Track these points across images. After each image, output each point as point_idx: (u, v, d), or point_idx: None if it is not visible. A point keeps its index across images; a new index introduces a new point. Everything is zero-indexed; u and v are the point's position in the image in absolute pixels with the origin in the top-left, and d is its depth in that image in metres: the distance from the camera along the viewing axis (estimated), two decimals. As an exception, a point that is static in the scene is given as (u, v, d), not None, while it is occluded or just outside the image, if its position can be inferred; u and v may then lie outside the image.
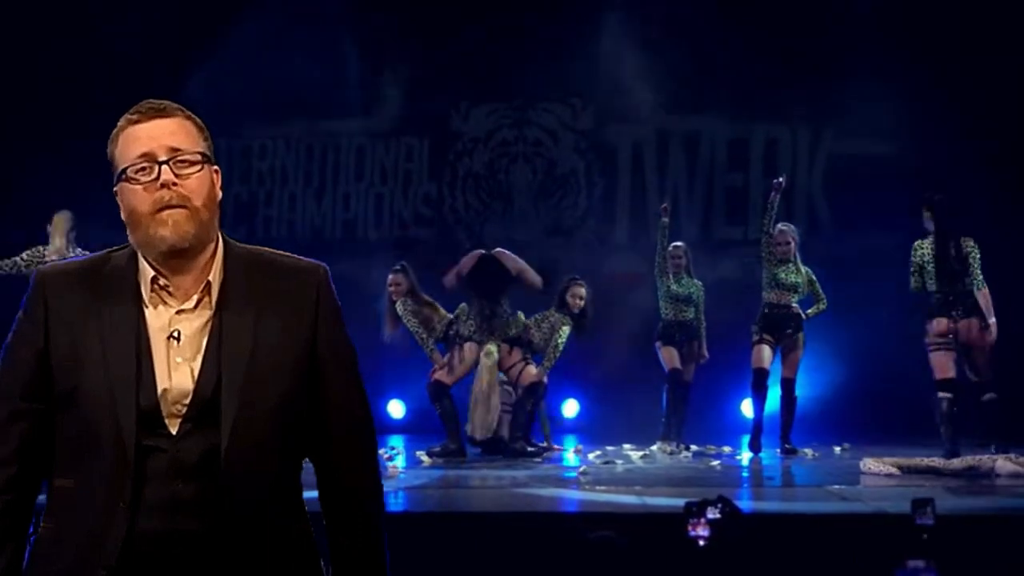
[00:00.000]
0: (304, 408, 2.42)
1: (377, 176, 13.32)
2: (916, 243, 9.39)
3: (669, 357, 10.28)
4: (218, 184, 2.43)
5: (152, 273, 2.38)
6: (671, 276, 10.30)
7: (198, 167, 2.36)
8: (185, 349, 2.36)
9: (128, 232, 2.38)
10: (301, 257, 2.53)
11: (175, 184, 2.33)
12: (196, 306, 2.38)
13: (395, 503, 7.09)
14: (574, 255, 12.47)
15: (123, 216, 2.38)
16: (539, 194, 13.17)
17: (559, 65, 12.69)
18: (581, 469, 8.61)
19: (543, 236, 13.00)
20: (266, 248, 2.53)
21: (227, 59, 12.30)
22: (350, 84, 12.88)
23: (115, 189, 2.40)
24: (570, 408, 12.45)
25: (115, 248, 2.46)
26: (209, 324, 2.37)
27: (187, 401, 2.33)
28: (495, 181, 13.22)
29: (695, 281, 10.52)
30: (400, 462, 9.33)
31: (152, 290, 2.38)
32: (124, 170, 2.36)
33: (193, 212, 2.34)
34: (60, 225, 9.33)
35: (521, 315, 9.97)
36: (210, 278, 2.39)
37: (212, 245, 2.42)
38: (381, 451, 9.23)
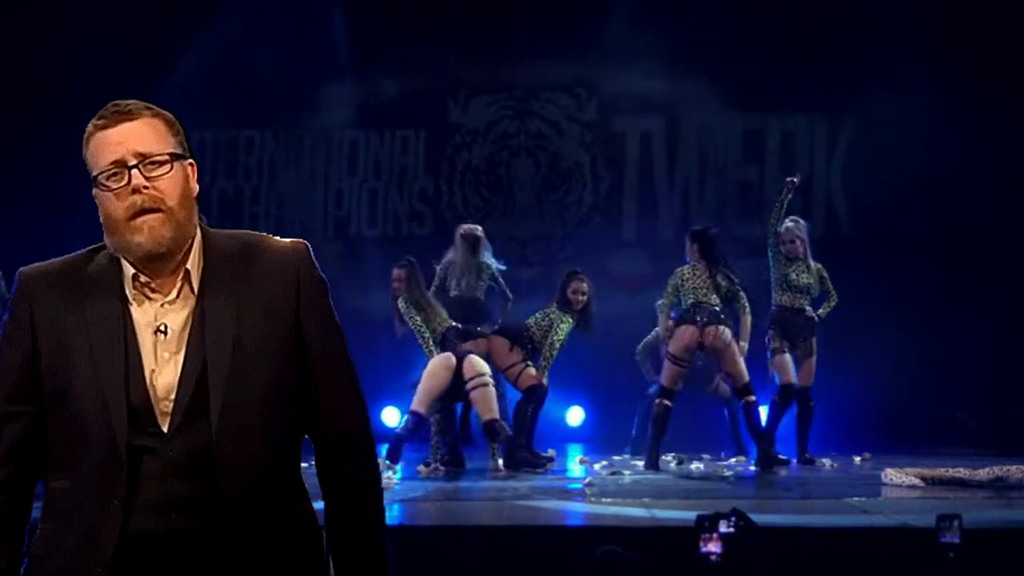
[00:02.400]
0: (294, 390, 2.51)
1: (371, 171, 13.30)
2: (679, 270, 9.68)
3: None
4: (193, 178, 2.52)
5: (132, 271, 2.48)
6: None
7: (168, 167, 2.46)
8: (171, 343, 2.45)
9: (105, 236, 2.48)
10: (282, 238, 2.64)
11: (146, 188, 2.43)
12: (178, 296, 2.48)
13: (389, 516, 7.08)
14: (579, 253, 12.46)
15: (101, 219, 2.48)
16: (542, 189, 13.16)
17: (564, 52, 12.67)
18: (586, 480, 8.60)
19: (546, 233, 12.99)
20: (246, 231, 2.65)
21: (212, 47, 12.30)
22: (342, 73, 12.87)
23: (93, 192, 2.50)
24: (575, 416, 12.43)
25: (96, 246, 2.53)
26: (191, 314, 2.46)
27: (173, 396, 2.42)
28: (496, 176, 13.21)
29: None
30: (395, 473, 9.32)
31: (134, 287, 2.47)
32: (96, 176, 2.46)
33: (168, 214, 2.44)
34: None
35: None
36: (188, 266, 2.48)
37: (188, 240, 2.51)
38: (384, 461, 9.23)
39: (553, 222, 13.08)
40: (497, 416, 9.20)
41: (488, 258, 10.17)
